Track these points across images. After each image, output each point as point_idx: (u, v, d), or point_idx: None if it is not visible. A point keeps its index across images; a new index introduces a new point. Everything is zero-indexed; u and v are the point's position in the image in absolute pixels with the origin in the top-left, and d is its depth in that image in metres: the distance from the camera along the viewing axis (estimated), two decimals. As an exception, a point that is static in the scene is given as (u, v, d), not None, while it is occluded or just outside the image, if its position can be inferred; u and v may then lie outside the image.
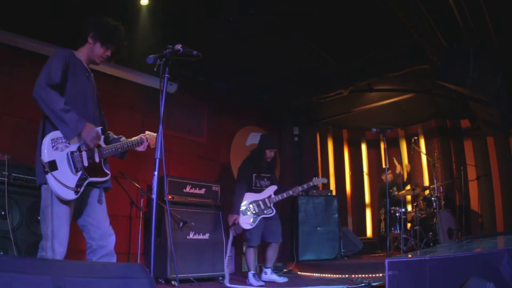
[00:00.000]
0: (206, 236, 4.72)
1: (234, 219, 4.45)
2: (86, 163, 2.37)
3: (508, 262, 1.89)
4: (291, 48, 5.05)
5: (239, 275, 5.30)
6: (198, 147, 5.82)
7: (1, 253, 3.09)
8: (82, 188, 2.32)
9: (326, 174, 7.42)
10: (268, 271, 4.69)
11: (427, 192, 6.13)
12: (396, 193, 6.41)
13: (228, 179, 6.09)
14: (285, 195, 4.59)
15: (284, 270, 5.61)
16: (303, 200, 5.97)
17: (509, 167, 6.11)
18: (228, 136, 6.36)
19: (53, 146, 2.28)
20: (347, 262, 5.50)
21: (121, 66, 4.80)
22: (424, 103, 6.84)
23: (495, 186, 6.39)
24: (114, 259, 2.44)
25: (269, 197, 4.60)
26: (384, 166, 4.71)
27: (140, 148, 2.67)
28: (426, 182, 7.09)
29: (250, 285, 4.38)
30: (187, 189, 4.78)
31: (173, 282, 4.21)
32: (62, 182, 2.24)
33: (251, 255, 4.53)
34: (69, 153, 2.32)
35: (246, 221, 4.47)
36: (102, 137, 2.53)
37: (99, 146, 2.47)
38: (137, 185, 4.16)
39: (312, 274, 5.32)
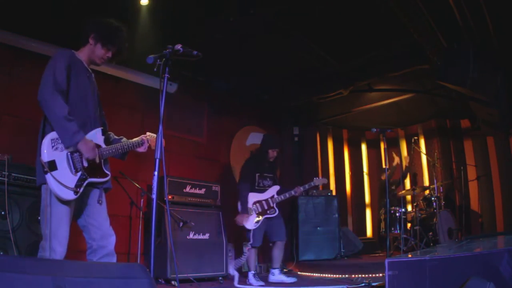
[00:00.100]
0: (206, 236, 4.72)
1: (244, 218, 4.43)
2: (86, 164, 2.37)
3: (508, 262, 1.89)
4: (291, 48, 5.05)
5: (239, 275, 5.29)
6: (198, 147, 5.82)
7: (1, 253, 3.09)
8: (82, 189, 2.32)
9: (326, 174, 7.42)
10: (276, 271, 4.63)
11: (427, 192, 6.13)
12: (395, 190, 6.42)
13: (228, 179, 6.09)
14: (287, 195, 4.59)
15: (284, 270, 5.61)
16: (303, 200, 5.97)
17: (509, 167, 6.11)
18: (228, 136, 6.36)
19: (52, 146, 2.27)
20: (347, 262, 5.50)
21: (121, 66, 4.80)
22: (424, 103, 6.84)
23: (495, 186, 6.39)
24: (114, 260, 2.43)
25: (272, 197, 4.60)
26: (384, 166, 4.71)
27: (141, 149, 2.66)
28: (426, 182, 7.09)
29: (250, 285, 4.38)
30: (187, 189, 4.78)
31: (173, 282, 4.20)
32: (62, 182, 2.24)
33: (252, 256, 4.52)
34: (69, 153, 2.31)
35: (250, 221, 4.46)
36: (103, 137, 2.53)
37: (99, 147, 2.46)
38: (137, 185, 4.16)
39: (312, 274, 5.32)
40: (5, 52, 4.03)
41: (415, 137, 6.30)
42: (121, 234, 4.20)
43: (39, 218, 3.18)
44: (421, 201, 6.16)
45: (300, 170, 7.10)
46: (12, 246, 3.13)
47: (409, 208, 7.07)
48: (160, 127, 2.22)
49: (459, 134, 7.08)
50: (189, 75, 5.64)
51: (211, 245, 4.72)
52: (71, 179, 2.29)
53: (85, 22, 2.55)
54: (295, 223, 5.98)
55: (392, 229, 6.06)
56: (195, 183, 4.88)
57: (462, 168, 6.44)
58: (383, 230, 6.19)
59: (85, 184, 2.34)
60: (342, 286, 3.95)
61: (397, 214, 6.02)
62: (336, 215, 6.00)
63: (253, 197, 4.55)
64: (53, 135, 2.29)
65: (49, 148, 2.26)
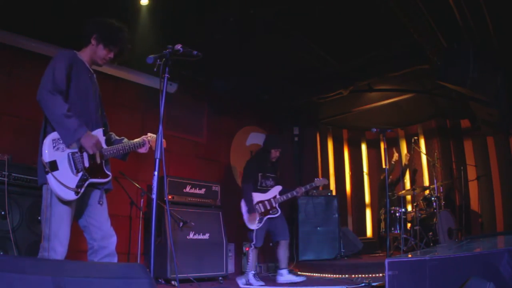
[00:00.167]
0: (206, 236, 4.72)
1: (254, 217, 4.41)
2: (87, 164, 2.37)
3: (508, 262, 1.89)
4: (291, 48, 5.05)
5: (240, 275, 5.29)
6: (198, 147, 5.83)
7: (1, 253, 3.09)
8: (83, 189, 2.32)
9: (326, 174, 7.42)
10: (284, 272, 4.57)
11: (427, 192, 6.13)
12: (394, 194, 6.42)
13: (228, 179, 6.09)
14: (289, 195, 4.58)
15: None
16: (303, 200, 5.97)
17: (509, 167, 6.11)
18: (228, 136, 6.36)
19: (54, 147, 2.27)
20: (347, 262, 5.50)
21: (121, 66, 4.80)
22: (424, 103, 6.85)
23: (495, 186, 6.39)
24: (115, 260, 2.43)
25: (275, 197, 4.59)
26: (384, 166, 4.71)
27: (142, 150, 2.66)
28: (426, 182, 7.08)
29: (250, 285, 4.38)
30: (187, 189, 4.78)
31: (173, 282, 4.21)
32: (63, 182, 2.23)
33: (252, 256, 4.51)
34: (70, 153, 2.31)
35: (253, 221, 4.46)
36: (104, 138, 2.52)
37: (100, 147, 2.46)
38: (137, 185, 4.16)
39: (312, 274, 5.31)
40: (5, 52, 4.03)
41: (415, 137, 6.30)
42: (121, 234, 4.18)
43: (39, 218, 3.20)
44: (421, 201, 6.16)
45: (300, 170, 7.10)
46: (12, 246, 3.13)
47: (409, 208, 7.07)
48: (160, 127, 2.22)
49: (459, 134, 7.07)
50: (189, 75, 5.64)
51: (211, 245, 4.72)
52: (72, 180, 2.29)
53: (87, 22, 2.54)
54: (295, 223, 5.98)
55: (392, 229, 6.06)
56: (195, 183, 4.88)
57: (462, 168, 6.44)
58: (383, 230, 6.19)
59: (86, 184, 2.34)
60: (342, 286, 3.95)
61: (397, 214, 6.02)
62: (336, 215, 6.00)
63: (256, 197, 4.55)
64: (54, 135, 2.29)
65: (51, 148, 2.26)
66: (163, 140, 2.44)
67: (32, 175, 3.32)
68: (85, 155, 2.38)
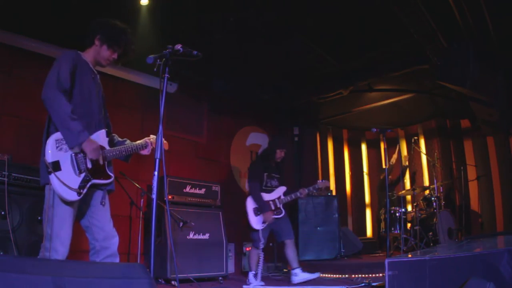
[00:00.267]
0: (206, 236, 4.72)
1: (270, 214, 4.39)
2: (89, 165, 2.36)
3: (508, 262, 1.89)
4: (291, 48, 5.05)
5: (240, 275, 5.30)
6: (198, 147, 5.83)
7: (1, 253, 3.09)
8: (85, 190, 2.32)
9: (326, 174, 7.43)
10: (298, 271, 4.45)
11: (427, 192, 6.13)
12: (394, 189, 6.43)
13: (228, 179, 6.09)
14: (293, 196, 4.56)
15: (284, 270, 5.61)
16: (303, 200, 5.96)
17: (509, 167, 6.10)
18: (228, 136, 6.36)
19: (57, 147, 2.27)
20: (347, 262, 5.50)
21: (121, 66, 4.79)
22: (424, 103, 6.85)
23: (495, 186, 6.39)
24: (117, 260, 2.43)
25: (279, 198, 4.58)
26: (384, 166, 4.71)
27: (145, 152, 2.65)
28: (426, 182, 7.08)
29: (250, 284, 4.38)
30: (187, 189, 4.78)
31: (173, 282, 4.21)
32: (65, 183, 2.23)
33: (254, 256, 4.49)
34: (73, 154, 2.31)
35: (258, 221, 4.43)
36: (107, 139, 2.52)
37: (103, 148, 2.45)
38: (137, 185, 4.16)
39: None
40: (5, 52, 4.03)
41: (415, 137, 6.30)
42: (121, 234, 4.17)
43: (39, 218, 3.20)
44: (421, 201, 6.16)
45: (300, 170, 7.10)
46: (12, 246, 3.13)
47: (409, 208, 7.07)
48: (160, 127, 2.22)
49: (459, 134, 7.08)
50: (189, 75, 5.64)
51: (211, 245, 4.72)
52: (75, 180, 2.28)
53: (91, 23, 2.54)
54: (295, 223, 5.96)
55: (392, 229, 6.06)
56: (195, 183, 4.88)
57: (462, 168, 6.44)
58: (383, 230, 6.20)
59: (88, 185, 2.34)
60: (342, 286, 3.95)
61: (397, 214, 6.02)
62: (336, 215, 6.00)
63: None
64: (57, 135, 2.29)
65: (54, 149, 2.26)
66: (166, 142, 2.45)
67: (32, 175, 3.31)
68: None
